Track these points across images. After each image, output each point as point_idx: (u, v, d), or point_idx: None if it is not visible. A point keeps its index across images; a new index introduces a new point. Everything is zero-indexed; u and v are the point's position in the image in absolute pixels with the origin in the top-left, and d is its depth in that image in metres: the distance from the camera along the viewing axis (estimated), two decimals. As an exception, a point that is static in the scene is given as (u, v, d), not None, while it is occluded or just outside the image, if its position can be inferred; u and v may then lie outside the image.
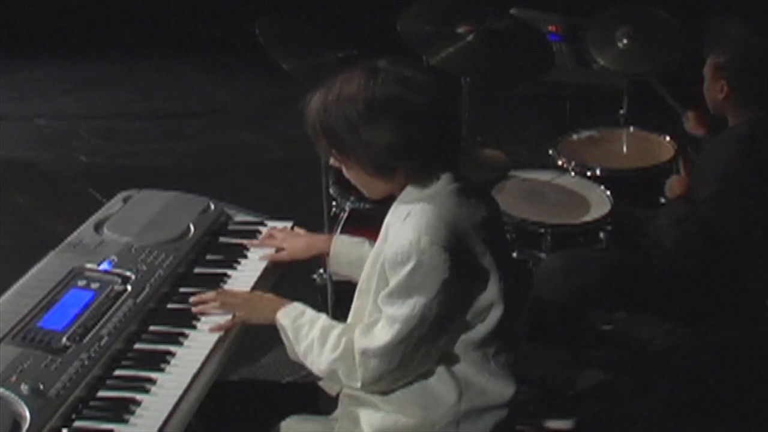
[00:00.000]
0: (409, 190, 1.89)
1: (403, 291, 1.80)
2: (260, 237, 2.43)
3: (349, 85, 1.83)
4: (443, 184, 1.86)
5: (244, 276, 2.30)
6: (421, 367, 1.87)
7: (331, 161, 1.94)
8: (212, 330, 2.03)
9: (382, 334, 1.82)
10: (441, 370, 1.88)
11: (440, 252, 1.77)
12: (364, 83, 1.81)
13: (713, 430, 2.94)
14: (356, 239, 2.29)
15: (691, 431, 2.95)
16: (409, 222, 1.82)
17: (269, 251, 2.37)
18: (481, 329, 1.86)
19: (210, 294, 2.12)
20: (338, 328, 1.93)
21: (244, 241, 2.42)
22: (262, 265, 2.33)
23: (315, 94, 1.88)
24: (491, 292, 1.84)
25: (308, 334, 1.94)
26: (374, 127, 1.80)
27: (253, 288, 2.23)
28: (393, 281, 1.82)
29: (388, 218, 1.95)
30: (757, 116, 2.76)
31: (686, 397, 3.03)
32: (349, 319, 2.00)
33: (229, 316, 2.07)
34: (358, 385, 1.88)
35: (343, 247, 2.28)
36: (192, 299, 2.11)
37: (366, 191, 1.97)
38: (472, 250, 1.82)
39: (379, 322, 1.84)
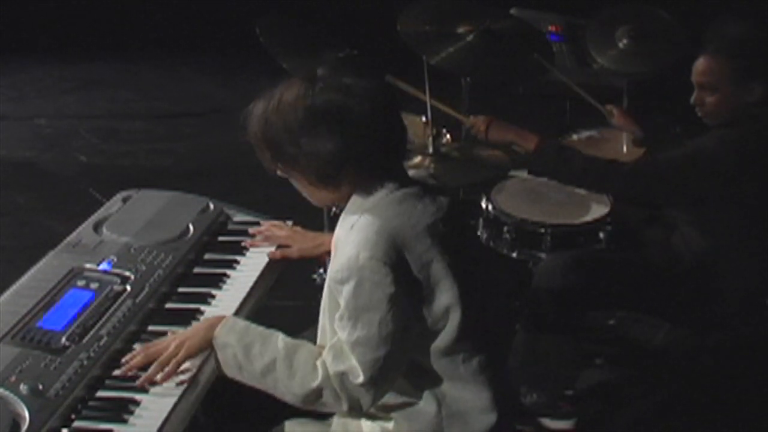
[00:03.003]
0: (354, 200, 1.87)
1: (353, 313, 1.77)
2: (259, 229, 2.40)
3: (288, 93, 1.80)
4: (385, 193, 1.83)
5: (243, 276, 2.29)
6: (396, 378, 1.84)
7: (279, 172, 1.90)
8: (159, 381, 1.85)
9: (348, 357, 1.79)
10: (417, 383, 1.87)
11: (380, 267, 1.74)
12: (303, 92, 1.78)
13: (713, 430, 2.94)
14: None
15: (692, 431, 2.95)
16: (350, 237, 1.80)
17: (273, 247, 2.35)
18: (445, 337, 1.83)
19: (137, 358, 1.88)
20: (305, 349, 1.86)
21: (248, 240, 2.40)
22: (262, 265, 2.33)
23: (256, 103, 1.85)
24: (446, 297, 1.81)
25: (264, 353, 1.85)
26: (315, 136, 1.77)
27: (253, 288, 2.23)
28: (341, 302, 1.79)
29: (337, 232, 1.93)
30: None
31: (686, 397, 3.03)
32: (318, 340, 1.95)
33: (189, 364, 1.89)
34: (345, 408, 1.83)
35: None
36: (120, 371, 1.88)
37: (313, 201, 1.94)
38: (417, 260, 1.78)
39: (342, 343, 1.80)
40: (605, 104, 3.39)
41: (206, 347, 1.90)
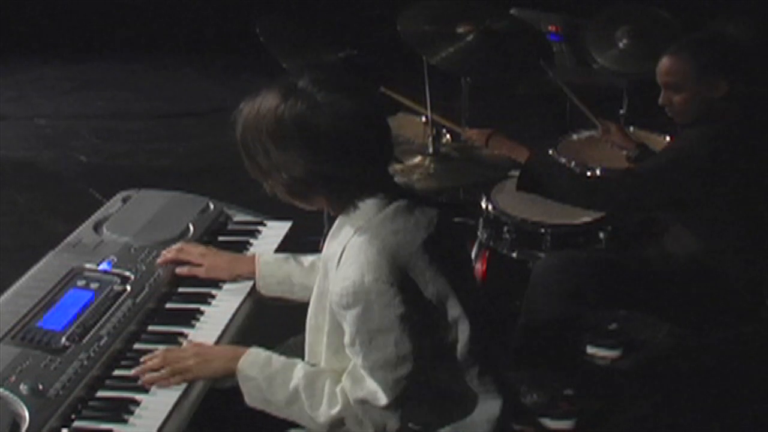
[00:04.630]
0: (339, 223, 1.84)
1: (365, 337, 1.73)
2: (169, 251, 2.26)
3: (266, 102, 1.74)
4: (374, 210, 1.78)
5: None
6: (419, 399, 1.81)
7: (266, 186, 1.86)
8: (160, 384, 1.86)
9: (370, 383, 1.75)
10: (432, 397, 1.85)
11: (387, 288, 1.70)
12: (276, 103, 1.72)
13: (713, 430, 2.94)
14: (281, 256, 2.23)
15: (692, 431, 2.95)
16: (348, 259, 1.75)
17: (185, 266, 2.23)
18: (459, 350, 1.82)
19: (155, 360, 1.90)
20: (325, 376, 1.83)
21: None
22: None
23: (243, 106, 1.80)
24: (453, 310, 1.79)
25: (286, 383, 1.83)
26: (283, 151, 1.72)
27: (253, 288, 2.23)
28: (349, 328, 1.75)
29: (324, 252, 1.89)
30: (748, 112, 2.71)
31: (686, 397, 3.03)
32: (306, 357, 1.94)
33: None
34: None
35: (269, 269, 2.19)
36: (135, 371, 1.89)
37: (298, 204, 1.88)
38: (421, 276, 1.75)
39: (360, 370, 1.77)
40: (603, 117, 3.39)
41: (222, 375, 1.89)
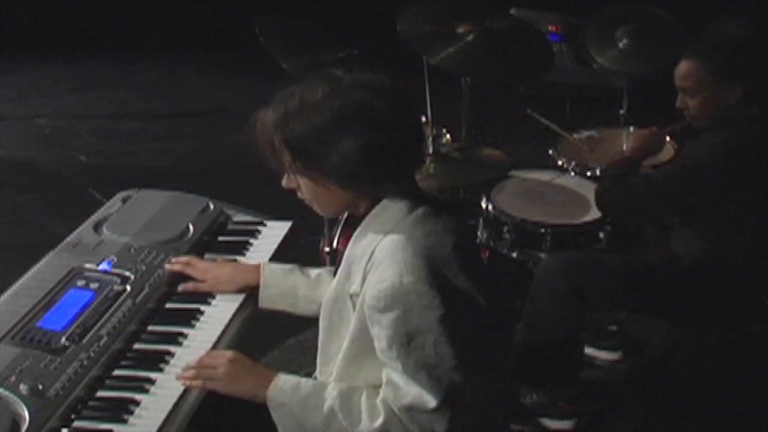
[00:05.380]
0: (368, 222, 1.82)
1: (403, 339, 1.69)
2: (176, 263, 2.22)
3: (311, 94, 1.75)
4: (403, 212, 1.79)
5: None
6: (465, 402, 1.74)
7: (285, 182, 1.86)
8: (182, 383, 1.86)
9: (414, 388, 1.70)
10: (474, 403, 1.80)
11: (427, 290, 1.68)
12: (328, 91, 1.74)
13: (713, 430, 2.94)
14: (287, 266, 2.19)
15: (691, 431, 2.95)
16: (383, 261, 1.73)
17: (190, 283, 2.19)
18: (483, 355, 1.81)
19: (191, 372, 1.88)
20: (360, 391, 1.79)
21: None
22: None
23: (267, 110, 1.80)
24: (480, 317, 1.79)
25: (320, 405, 1.78)
26: (342, 135, 1.72)
27: (252, 288, 2.23)
28: (385, 332, 1.71)
29: (349, 252, 1.85)
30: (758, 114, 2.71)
31: (686, 397, 3.03)
32: (318, 358, 1.92)
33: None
34: None
35: (274, 279, 2.15)
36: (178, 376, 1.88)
37: (323, 208, 1.88)
38: (454, 280, 1.74)
39: (399, 376, 1.72)
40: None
41: (245, 398, 1.86)
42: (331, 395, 1.79)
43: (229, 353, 1.92)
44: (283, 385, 1.83)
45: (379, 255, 1.75)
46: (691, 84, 2.72)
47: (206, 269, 2.21)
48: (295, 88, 1.79)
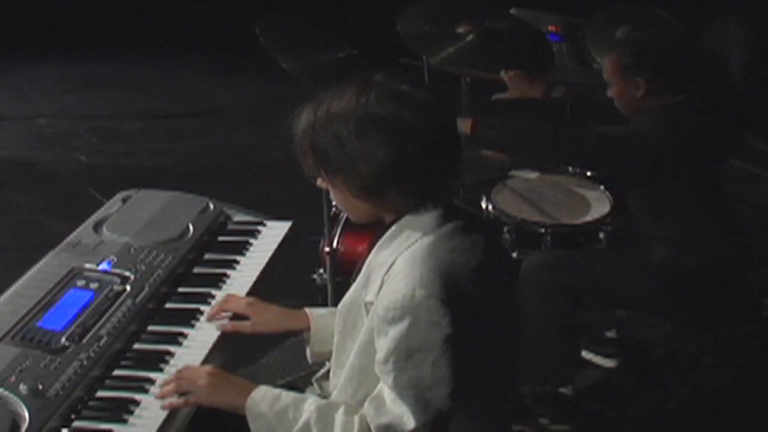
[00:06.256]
0: (394, 231, 1.77)
1: (403, 353, 1.65)
2: (217, 302, 2.14)
3: (340, 100, 1.70)
4: (433, 224, 1.73)
5: (243, 276, 2.29)
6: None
7: (318, 182, 1.82)
8: (164, 408, 1.81)
9: (398, 407, 1.66)
10: None
11: (438, 306, 1.63)
12: (356, 99, 1.69)
13: (713, 430, 2.94)
14: (333, 309, 2.03)
15: (691, 431, 2.95)
16: (399, 273, 1.69)
17: (225, 320, 2.09)
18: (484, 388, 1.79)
19: (170, 386, 1.84)
20: (338, 406, 1.75)
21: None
22: (261, 265, 2.33)
23: (304, 110, 1.78)
24: (490, 348, 1.76)
25: (297, 417, 1.74)
26: (365, 145, 1.67)
27: (252, 288, 2.23)
28: (386, 344, 1.66)
29: (370, 260, 1.82)
30: (677, 101, 2.78)
31: (686, 397, 3.03)
32: (332, 359, 1.90)
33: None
34: None
35: (323, 322, 2.06)
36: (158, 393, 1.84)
37: (352, 215, 1.85)
38: (468, 302, 1.68)
39: (388, 392, 1.68)
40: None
41: (226, 408, 1.82)
42: (309, 409, 1.75)
43: (208, 367, 1.90)
44: (263, 396, 1.80)
45: (398, 266, 1.72)
46: (606, 76, 2.89)
47: (250, 304, 2.10)
48: (327, 94, 1.75)
